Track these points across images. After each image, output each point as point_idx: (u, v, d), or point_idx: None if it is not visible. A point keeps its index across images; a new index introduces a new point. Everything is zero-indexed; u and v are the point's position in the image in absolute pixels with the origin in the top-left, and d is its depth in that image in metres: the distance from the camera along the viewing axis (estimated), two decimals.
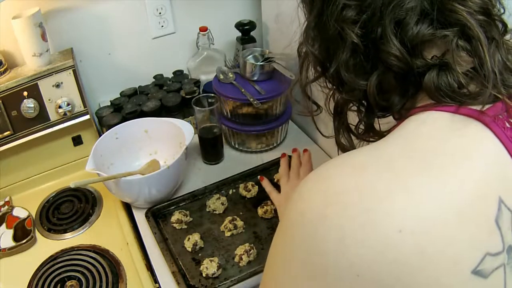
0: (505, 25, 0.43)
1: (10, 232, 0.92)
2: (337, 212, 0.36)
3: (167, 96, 1.10)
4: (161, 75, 1.22)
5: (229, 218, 0.87)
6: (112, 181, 0.86)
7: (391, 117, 0.50)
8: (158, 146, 1.02)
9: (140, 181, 0.87)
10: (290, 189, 0.82)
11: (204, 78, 1.19)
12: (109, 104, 1.11)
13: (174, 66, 1.23)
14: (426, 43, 0.42)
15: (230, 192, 0.96)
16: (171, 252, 0.82)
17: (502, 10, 0.44)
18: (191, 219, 0.90)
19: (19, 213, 0.97)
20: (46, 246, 0.91)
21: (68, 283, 0.81)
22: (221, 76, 1.04)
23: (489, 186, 0.37)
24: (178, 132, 0.95)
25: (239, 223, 0.86)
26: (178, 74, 1.22)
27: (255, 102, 0.97)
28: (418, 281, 0.34)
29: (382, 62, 0.44)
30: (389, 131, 0.46)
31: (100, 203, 1.00)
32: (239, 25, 1.19)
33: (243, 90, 0.99)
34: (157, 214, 0.91)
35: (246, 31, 1.19)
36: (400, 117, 0.47)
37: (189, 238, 0.83)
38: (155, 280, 0.80)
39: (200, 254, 0.82)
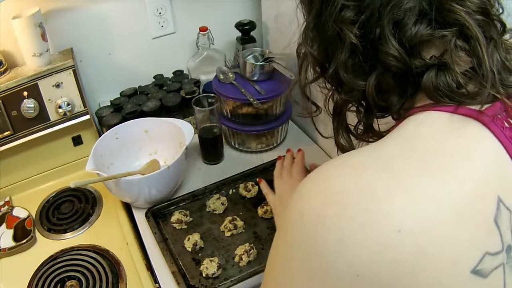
0: (503, 25, 0.43)
1: (10, 232, 0.92)
2: (336, 212, 0.36)
3: (167, 96, 1.10)
4: (161, 75, 1.22)
5: (229, 218, 0.87)
6: (112, 181, 0.86)
7: (390, 118, 0.50)
8: (158, 146, 1.02)
9: (140, 181, 0.87)
10: (283, 188, 0.82)
11: (204, 78, 1.19)
12: (109, 104, 1.11)
13: (174, 66, 1.23)
14: (425, 43, 0.42)
15: (230, 192, 0.96)
16: (171, 252, 0.82)
17: (500, 10, 0.44)
18: (191, 219, 0.90)
19: (19, 213, 0.97)
20: (46, 246, 0.91)
21: (68, 283, 0.81)
22: (221, 76, 1.05)
23: (488, 186, 0.37)
24: (178, 132, 0.95)
25: (239, 223, 0.86)
26: (178, 74, 1.22)
27: (255, 102, 0.97)
28: (417, 281, 0.34)
29: (380, 62, 0.44)
30: (388, 131, 0.46)
31: (100, 203, 1.00)
32: (239, 25, 1.19)
33: (243, 90, 0.99)
34: (157, 214, 0.91)
35: (246, 31, 1.19)
36: (399, 117, 0.47)
37: (189, 238, 0.83)
38: (155, 280, 0.80)
39: (200, 254, 0.82)
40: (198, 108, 0.98)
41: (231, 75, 1.04)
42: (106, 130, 0.99)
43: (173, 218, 0.88)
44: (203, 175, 1.02)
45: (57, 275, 0.83)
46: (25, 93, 0.95)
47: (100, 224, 0.96)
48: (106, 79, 1.18)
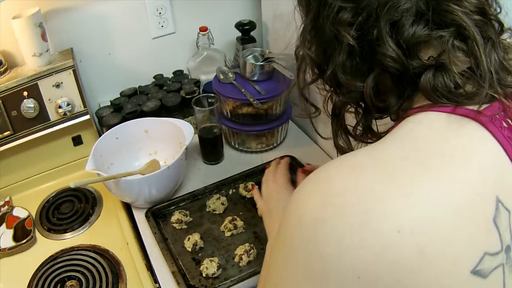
0: (501, 24, 0.43)
1: (10, 232, 0.92)
2: (335, 213, 0.36)
3: (167, 96, 1.10)
4: (161, 75, 1.22)
5: (229, 218, 0.87)
6: (112, 181, 0.86)
7: (388, 118, 0.50)
8: (158, 146, 1.02)
9: (140, 181, 0.87)
10: (267, 193, 0.82)
11: (204, 78, 1.19)
12: (109, 104, 1.11)
13: (174, 66, 1.23)
14: (422, 44, 0.42)
15: (230, 192, 0.96)
16: (171, 252, 0.82)
17: (498, 9, 0.44)
18: (191, 219, 0.90)
19: (19, 213, 0.97)
20: (46, 246, 0.91)
21: (68, 283, 0.81)
22: (221, 76, 1.05)
23: (487, 186, 0.37)
24: (178, 132, 0.95)
25: (239, 223, 0.86)
26: (178, 74, 1.22)
27: (255, 102, 0.97)
28: (418, 282, 0.34)
29: (378, 63, 0.44)
30: (386, 132, 0.46)
31: (100, 203, 1.00)
32: (239, 25, 1.19)
33: (243, 90, 0.99)
34: (157, 214, 0.91)
35: (246, 31, 1.19)
36: (398, 118, 0.47)
37: (189, 238, 0.83)
38: (155, 280, 0.80)
39: (200, 254, 0.82)
40: (198, 108, 0.98)
41: (231, 75, 1.04)
42: (106, 130, 0.99)
43: (173, 218, 0.88)
44: (203, 175, 1.01)
45: (57, 275, 0.83)
46: (25, 93, 0.95)
47: (100, 224, 0.96)
48: (106, 79, 1.18)
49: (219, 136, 1.03)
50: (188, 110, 1.10)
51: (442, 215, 0.35)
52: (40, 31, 0.95)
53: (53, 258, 0.87)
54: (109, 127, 0.99)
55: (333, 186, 0.38)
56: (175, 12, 1.18)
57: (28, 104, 0.95)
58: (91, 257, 0.86)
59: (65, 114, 1.01)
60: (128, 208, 0.97)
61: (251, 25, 1.19)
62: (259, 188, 0.89)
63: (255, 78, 1.02)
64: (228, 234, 0.85)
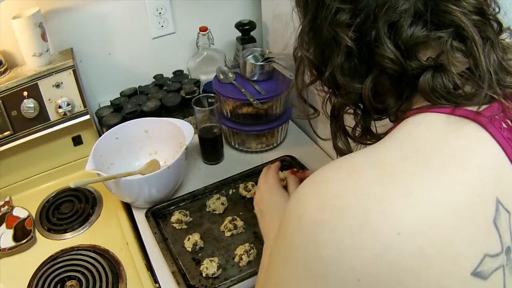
0: (500, 24, 0.43)
1: (10, 232, 0.92)
2: (334, 215, 0.36)
3: (167, 96, 1.10)
4: (161, 75, 1.22)
5: (229, 218, 0.87)
6: (112, 181, 0.86)
7: (387, 120, 0.50)
8: (158, 146, 1.02)
9: (140, 181, 0.87)
10: (259, 194, 0.81)
11: (204, 78, 1.19)
12: (109, 104, 1.11)
13: (174, 66, 1.23)
14: (421, 45, 0.42)
15: (230, 192, 0.96)
16: (171, 252, 0.82)
17: (497, 9, 0.44)
18: (191, 219, 0.90)
19: (19, 213, 0.97)
20: (46, 246, 0.91)
21: (68, 283, 0.81)
22: (221, 76, 1.05)
23: (486, 187, 0.37)
24: (178, 132, 0.95)
25: (239, 223, 0.86)
26: (178, 74, 1.22)
27: (255, 102, 0.97)
28: (418, 283, 0.34)
29: (376, 65, 0.43)
30: (385, 133, 0.46)
31: (100, 203, 1.00)
32: (239, 25, 1.19)
33: (243, 90, 0.99)
34: (157, 214, 0.91)
35: (246, 31, 1.19)
36: (396, 119, 0.47)
37: (189, 238, 0.83)
38: (155, 280, 0.80)
39: (200, 254, 0.82)
40: (198, 108, 0.98)
41: (231, 75, 1.04)
42: (106, 130, 0.99)
43: (173, 218, 0.88)
44: (203, 175, 1.01)
45: (57, 275, 0.83)
46: (25, 93, 0.95)
47: (100, 224, 0.96)
48: (106, 79, 1.18)
49: (219, 136, 1.03)
50: (188, 110, 1.10)
51: (442, 215, 0.35)
52: (40, 31, 0.95)
53: (53, 258, 0.87)
54: (109, 127, 0.99)
55: (332, 188, 0.38)
56: (175, 12, 1.18)
57: (28, 104, 0.95)
58: (91, 257, 0.86)
59: (65, 114, 1.01)
60: (128, 208, 0.97)
61: (251, 25, 1.19)
62: None
63: (255, 78, 1.02)
64: (228, 234, 0.85)
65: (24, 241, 0.90)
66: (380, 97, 0.47)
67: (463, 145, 0.38)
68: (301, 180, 0.81)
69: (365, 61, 0.44)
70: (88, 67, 1.14)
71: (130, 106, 1.08)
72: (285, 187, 0.81)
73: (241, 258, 0.79)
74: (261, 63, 1.01)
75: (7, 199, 1.01)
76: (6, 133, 0.96)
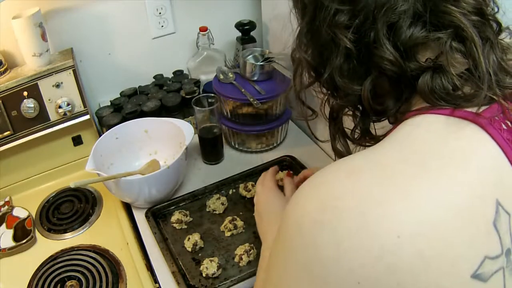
0: (499, 24, 0.43)
1: (10, 232, 0.92)
2: (333, 217, 0.36)
3: (167, 96, 1.10)
4: (161, 75, 1.22)
5: (229, 218, 0.87)
6: (112, 181, 0.86)
7: (386, 122, 0.50)
8: (158, 146, 1.02)
9: (140, 181, 0.87)
10: (256, 198, 0.82)
11: (204, 78, 1.19)
12: (109, 104, 1.11)
13: (174, 66, 1.23)
14: (420, 46, 0.42)
15: (230, 192, 0.96)
16: (171, 252, 0.82)
17: (496, 9, 0.43)
18: (191, 219, 0.90)
19: (19, 213, 0.97)
20: (46, 246, 0.91)
21: (68, 283, 0.81)
22: (221, 76, 1.05)
23: (486, 188, 0.37)
24: (178, 132, 0.95)
25: (239, 223, 0.86)
26: (178, 74, 1.22)
27: (255, 102, 0.97)
28: (418, 285, 0.34)
29: (375, 66, 0.43)
30: (384, 135, 0.46)
31: (100, 203, 1.00)
32: (239, 25, 1.19)
33: (243, 90, 0.99)
34: (157, 214, 0.91)
35: (246, 31, 1.19)
36: (396, 121, 0.46)
37: (189, 238, 0.83)
38: (155, 280, 0.80)
39: (200, 254, 0.82)
40: (198, 108, 0.98)
41: (231, 75, 1.04)
42: (106, 130, 0.99)
43: (173, 218, 0.88)
44: (203, 175, 1.02)
45: (57, 275, 0.83)
46: (25, 93, 0.95)
47: (100, 224, 0.96)
48: (106, 79, 1.18)
49: (219, 136, 1.03)
50: (188, 110, 1.10)
51: (442, 217, 0.35)
52: (40, 31, 0.95)
53: (53, 258, 0.87)
54: (109, 127, 0.99)
55: (331, 190, 0.37)
56: (175, 12, 1.18)
57: (28, 104, 0.95)
58: (91, 257, 0.86)
59: (65, 114, 1.01)
60: (128, 208, 0.97)
61: (251, 25, 1.19)
62: None
63: (255, 78, 1.02)
64: (228, 234, 0.85)
65: (24, 241, 0.90)
66: (379, 99, 0.46)
67: (462, 147, 0.38)
68: (297, 184, 0.81)
69: (364, 62, 0.44)
70: (88, 67, 1.14)
71: (130, 106, 1.08)
72: (282, 188, 0.82)
73: (241, 258, 0.79)
74: (261, 63, 1.01)
75: (7, 199, 1.01)
76: (6, 133, 0.96)
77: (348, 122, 0.53)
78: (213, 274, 0.77)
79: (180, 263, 0.81)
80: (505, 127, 0.39)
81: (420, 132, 0.40)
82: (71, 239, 0.92)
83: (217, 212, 0.91)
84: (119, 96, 1.14)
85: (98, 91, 1.18)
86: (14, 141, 0.98)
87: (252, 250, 0.80)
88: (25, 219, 0.95)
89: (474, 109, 0.39)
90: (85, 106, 1.04)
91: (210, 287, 0.76)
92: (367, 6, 0.41)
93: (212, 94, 1.03)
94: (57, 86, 0.99)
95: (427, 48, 0.42)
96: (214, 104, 1.00)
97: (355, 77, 0.46)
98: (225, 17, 1.23)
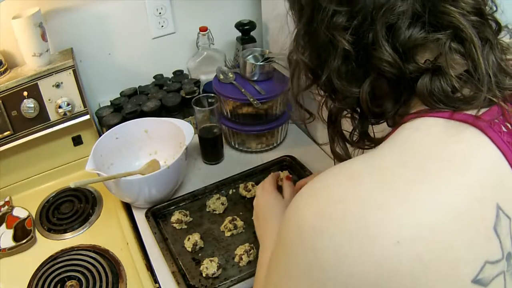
0: (498, 24, 0.43)
1: (10, 232, 0.92)
2: (333, 222, 0.36)
3: (167, 96, 1.10)
4: (161, 75, 1.22)
5: (229, 218, 0.87)
6: (112, 181, 0.86)
7: (385, 124, 0.49)
8: (158, 146, 1.02)
9: (140, 181, 0.87)
10: (256, 201, 0.81)
11: (204, 78, 1.19)
12: (109, 104, 1.11)
13: (174, 66, 1.23)
14: (419, 47, 0.41)
15: (230, 192, 0.96)
16: (171, 252, 0.82)
17: (494, 8, 0.43)
18: (191, 219, 0.90)
19: (19, 213, 0.97)
20: (46, 246, 0.91)
21: (68, 283, 0.81)
22: (221, 76, 1.05)
23: (485, 191, 0.37)
24: (178, 132, 0.95)
25: (239, 223, 0.86)
26: (178, 74, 1.22)
27: (255, 102, 0.97)
28: None
29: (374, 68, 0.43)
30: (383, 138, 0.46)
31: (100, 203, 1.00)
32: (239, 25, 1.19)
33: (243, 90, 0.99)
34: (157, 214, 0.91)
35: (246, 31, 1.19)
36: (394, 124, 0.46)
37: (189, 238, 0.83)
38: (155, 280, 0.80)
39: (200, 254, 0.82)
40: (198, 108, 0.98)
41: (231, 75, 1.04)
42: (106, 130, 0.99)
43: (173, 218, 0.88)
44: (203, 175, 1.02)
45: (57, 275, 0.83)
46: (25, 93, 0.95)
47: (100, 224, 0.96)
48: (106, 79, 1.18)
49: (219, 136, 1.03)
50: (188, 110, 1.10)
51: (441, 220, 0.34)
52: (40, 31, 0.95)
53: (53, 258, 0.87)
54: (109, 127, 0.99)
55: (331, 195, 0.37)
56: (175, 12, 1.18)
57: (28, 104, 0.95)
58: (91, 257, 0.86)
59: (65, 114, 1.01)
60: (128, 208, 0.97)
61: (251, 25, 1.19)
62: None
63: (255, 78, 1.02)
64: (228, 234, 0.85)
65: (24, 241, 0.90)
66: (377, 101, 0.46)
67: (462, 150, 0.38)
68: (297, 189, 0.81)
69: (362, 64, 0.44)
70: (88, 67, 1.14)
71: (130, 106, 1.08)
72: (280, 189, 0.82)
73: (241, 258, 0.79)
74: (261, 63, 1.01)
75: (7, 199, 1.01)
76: (6, 133, 0.96)
77: (346, 125, 0.53)
78: (213, 274, 0.77)
79: (180, 263, 0.81)
80: (505, 130, 0.39)
81: (419, 136, 0.40)
82: (71, 239, 0.92)
83: (217, 212, 0.91)
84: (119, 96, 1.14)
85: (98, 91, 1.18)
86: (14, 141, 0.98)
87: (252, 250, 0.80)
88: (25, 219, 0.95)
89: (473, 112, 0.39)
90: (85, 106, 1.04)
91: (210, 287, 0.76)
92: (365, 7, 0.41)
93: (212, 94, 1.03)
94: (57, 86, 0.99)
95: (426, 49, 0.42)
96: (214, 104, 1.00)
97: (354, 79, 0.45)
98: (225, 17, 1.23)
